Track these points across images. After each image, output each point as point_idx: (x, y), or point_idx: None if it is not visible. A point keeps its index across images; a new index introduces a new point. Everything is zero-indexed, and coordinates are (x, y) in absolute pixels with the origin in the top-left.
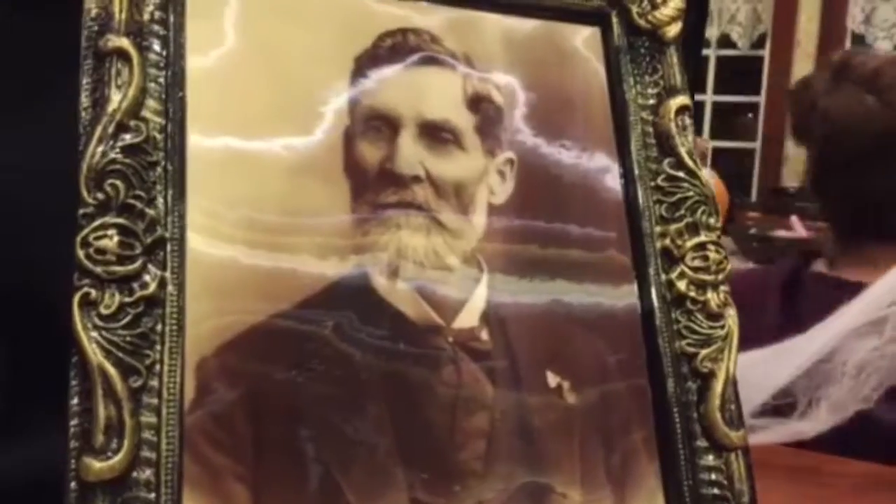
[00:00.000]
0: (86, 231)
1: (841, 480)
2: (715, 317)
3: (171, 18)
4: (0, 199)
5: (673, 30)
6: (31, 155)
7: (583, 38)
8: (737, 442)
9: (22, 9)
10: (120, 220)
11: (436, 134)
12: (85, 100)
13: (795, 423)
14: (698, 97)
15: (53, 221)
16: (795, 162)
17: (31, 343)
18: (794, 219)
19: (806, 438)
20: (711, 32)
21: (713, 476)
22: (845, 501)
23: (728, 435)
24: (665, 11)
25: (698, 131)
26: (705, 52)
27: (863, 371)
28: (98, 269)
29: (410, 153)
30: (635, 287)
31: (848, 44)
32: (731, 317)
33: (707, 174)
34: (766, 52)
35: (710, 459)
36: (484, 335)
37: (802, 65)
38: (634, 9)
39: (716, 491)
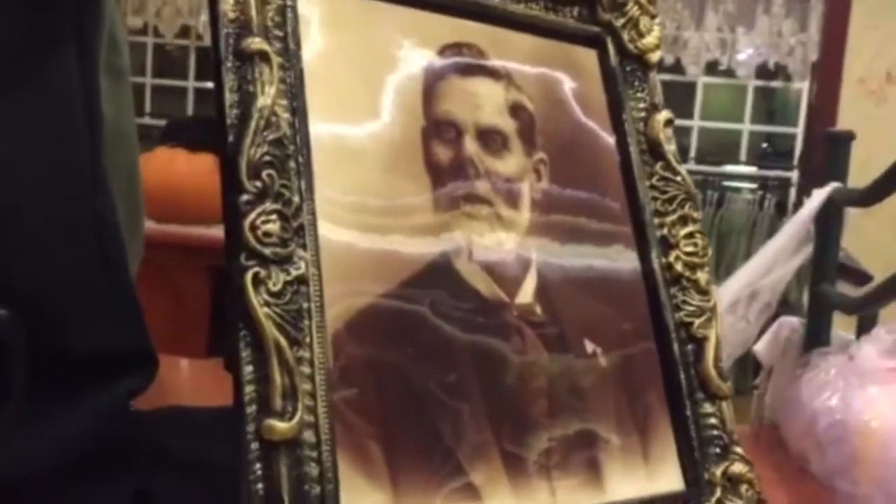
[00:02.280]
0: (251, 216)
1: None
2: (704, 292)
3: (289, 24)
4: None
5: (655, 56)
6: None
7: (588, 58)
8: (727, 392)
9: None
10: (277, 207)
11: (489, 137)
12: (230, 97)
13: None
14: None
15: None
16: None
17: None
18: None
19: None
20: None
21: (711, 421)
22: None
23: (720, 387)
24: (649, 40)
25: None
26: None
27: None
28: (266, 251)
29: (472, 153)
30: (637, 260)
31: None
32: (715, 292)
33: None
34: None
35: (707, 407)
36: (538, 309)
37: None
38: (626, 36)
39: (714, 432)
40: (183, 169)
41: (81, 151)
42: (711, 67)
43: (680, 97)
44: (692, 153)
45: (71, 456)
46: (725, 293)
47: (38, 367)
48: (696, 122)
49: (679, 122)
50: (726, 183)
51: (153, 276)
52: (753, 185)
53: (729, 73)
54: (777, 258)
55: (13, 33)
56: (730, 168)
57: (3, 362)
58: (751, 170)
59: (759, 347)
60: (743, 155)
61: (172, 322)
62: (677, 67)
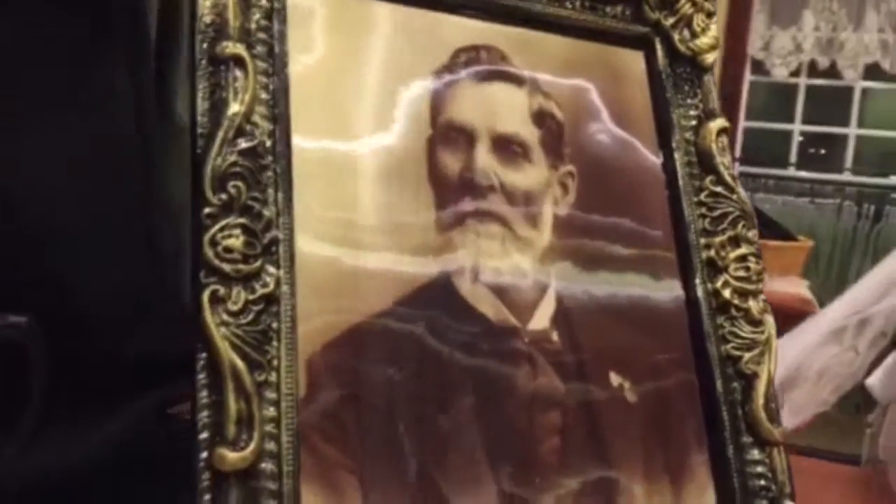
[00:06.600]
0: (213, 230)
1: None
2: (756, 322)
3: (276, 27)
4: (27, 203)
5: (710, 57)
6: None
7: (632, 61)
8: (778, 437)
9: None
10: (242, 221)
11: (507, 147)
12: (202, 104)
13: None
14: None
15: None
16: None
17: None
18: None
19: None
20: None
21: (759, 469)
22: (809, 497)
23: (771, 431)
24: (704, 40)
25: None
26: None
27: (822, 377)
28: (226, 268)
29: (485, 164)
30: (679, 286)
31: (748, 69)
32: (770, 323)
33: None
34: None
35: (755, 454)
36: (554, 336)
37: None
38: (676, 36)
39: (762, 483)
40: None
41: (131, 167)
42: (871, 71)
43: (836, 103)
44: (848, 163)
45: (103, 461)
46: (829, 319)
47: (78, 371)
48: (852, 130)
49: (835, 130)
50: (889, 195)
51: None
52: None
53: (891, 77)
54: (892, 281)
55: (64, 53)
56: (892, 179)
57: (23, 369)
58: None
59: (873, 381)
60: None
61: None
62: (833, 72)
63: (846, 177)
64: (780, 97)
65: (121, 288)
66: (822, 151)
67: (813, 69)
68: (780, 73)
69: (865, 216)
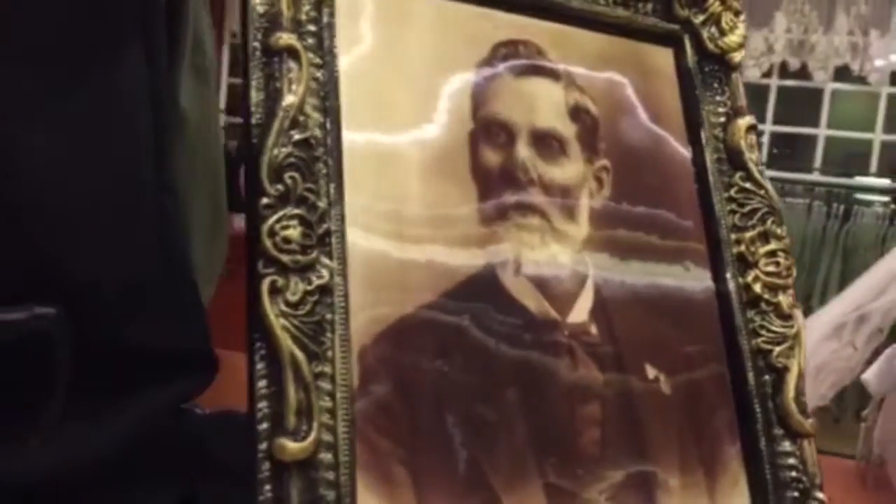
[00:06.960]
0: (271, 221)
1: None
2: (786, 317)
3: (324, 19)
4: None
5: (738, 55)
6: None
7: (662, 58)
8: (809, 429)
9: None
10: (299, 212)
11: (545, 141)
12: (255, 95)
13: None
14: None
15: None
16: None
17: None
18: None
19: None
20: None
21: (790, 461)
22: None
23: (802, 423)
24: (732, 38)
25: None
26: None
27: (821, 371)
28: (284, 258)
29: (525, 159)
30: (710, 278)
31: None
32: (799, 317)
33: None
34: None
35: (786, 445)
36: (593, 329)
37: None
38: (705, 34)
39: (793, 474)
40: None
41: (144, 152)
42: (841, 73)
43: (806, 104)
44: (817, 163)
45: (116, 456)
46: (830, 316)
47: (90, 364)
48: (822, 131)
49: (804, 130)
50: (856, 196)
51: None
52: (885, 199)
53: (860, 79)
54: (890, 279)
55: (80, 34)
56: (859, 179)
57: (48, 359)
58: (882, 182)
59: (869, 376)
60: (874, 166)
61: None
62: (803, 73)
63: (815, 177)
64: (751, 98)
65: (127, 276)
66: (788, 151)
67: (784, 70)
68: (752, 74)
69: (834, 216)
